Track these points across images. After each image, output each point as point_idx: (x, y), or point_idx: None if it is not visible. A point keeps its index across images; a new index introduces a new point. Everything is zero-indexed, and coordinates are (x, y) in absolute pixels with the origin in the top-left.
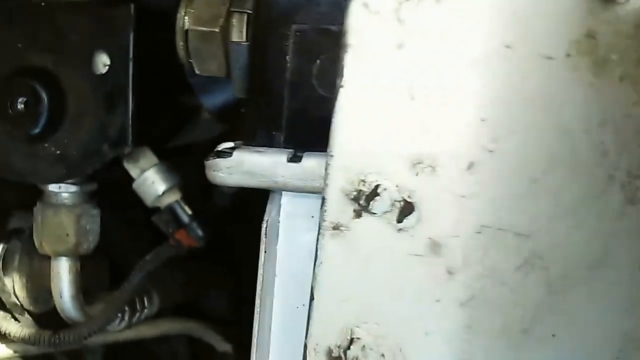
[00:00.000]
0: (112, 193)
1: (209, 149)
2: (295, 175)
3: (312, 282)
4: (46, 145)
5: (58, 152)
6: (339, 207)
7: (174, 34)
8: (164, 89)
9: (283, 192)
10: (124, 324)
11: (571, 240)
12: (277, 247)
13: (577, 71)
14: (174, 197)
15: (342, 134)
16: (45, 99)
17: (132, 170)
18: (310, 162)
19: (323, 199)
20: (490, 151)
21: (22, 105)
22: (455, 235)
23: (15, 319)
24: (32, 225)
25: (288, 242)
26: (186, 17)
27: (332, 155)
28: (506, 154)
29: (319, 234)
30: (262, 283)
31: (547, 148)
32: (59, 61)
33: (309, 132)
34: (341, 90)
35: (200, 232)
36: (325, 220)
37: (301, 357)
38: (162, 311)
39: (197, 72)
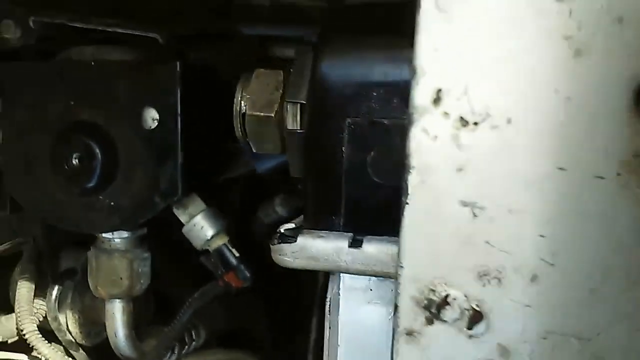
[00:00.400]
0: (159, 231)
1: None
2: (357, 260)
3: None
4: (100, 197)
5: (112, 203)
6: (411, 315)
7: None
8: (210, 138)
9: None
10: (173, 357)
11: (630, 343)
12: (338, 318)
13: (628, 188)
14: (221, 240)
15: (410, 248)
16: (99, 154)
17: (182, 215)
18: (370, 248)
19: (396, 306)
20: (551, 264)
21: (77, 161)
22: (523, 341)
23: (71, 356)
24: (83, 265)
25: (348, 313)
26: (242, 102)
27: (402, 267)
28: (566, 266)
29: (393, 339)
30: (329, 356)
31: (603, 260)
32: (109, 117)
33: (366, 217)
34: (407, 207)
35: (247, 273)
36: (399, 326)
37: None
38: (208, 342)
39: (255, 151)
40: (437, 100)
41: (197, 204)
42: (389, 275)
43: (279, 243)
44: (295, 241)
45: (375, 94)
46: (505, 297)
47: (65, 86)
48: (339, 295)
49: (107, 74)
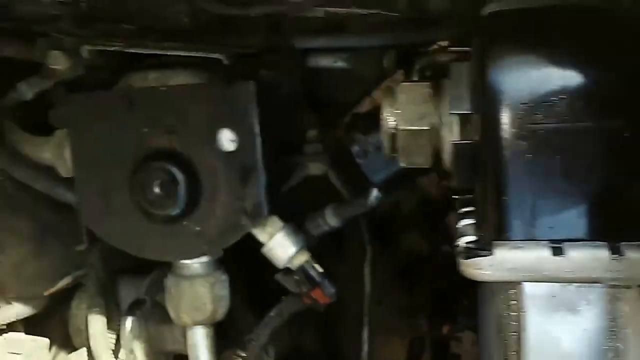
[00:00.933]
0: None
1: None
2: (562, 268)
3: None
4: (185, 223)
5: (197, 229)
6: None
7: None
8: (282, 153)
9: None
10: None
11: None
12: (526, 328)
13: None
14: (303, 257)
15: None
16: (181, 179)
17: (261, 235)
18: (575, 254)
19: None
20: None
21: (158, 188)
22: None
23: None
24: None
25: (534, 322)
26: (390, 117)
27: None
28: None
29: None
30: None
31: None
32: (186, 142)
33: (559, 222)
34: None
35: (332, 289)
36: None
37: None
38: None
39: (403, 164)
40: None
41: (276, 222)
42: (597, 280)
43: (474, 257)
44: (492, 254)
45: (553, 99)
46: None
47: (135, 114)
48: (524, 305)
49: (178, 98)
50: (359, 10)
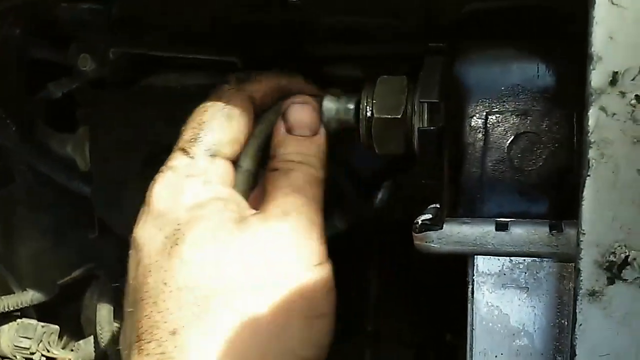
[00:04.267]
0: None
1: None
2: (504, 242)
3: (571, 341)
4: None
5: None
6: (593, 276)
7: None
8: None
9: (477, 256)
10: None
11: None
12: (474, 304)
13: None
14: None
15: (591, 216)
16: None
17: None
18: (518, 230)
19: (578, 269)
20: None
21: None
22: None
23: None
24: None
25: (482, 296)
26: (368, 107)
27: (584, 233)
28: None
29: (576, 299)
30: (470, 338)
31: None
32: None
33: (507, 202)
34: (588, 179)
35: None
36: (581, 288)
37: None
38: None
39: (378, 152)
40: (613, 82)
41: None
42: (538, 255)
43: (425, 231)
44: (442, 228)
45: (509, 88)
46: None
47: (152, 111)
48: (474, 280)
49: (194, 97)
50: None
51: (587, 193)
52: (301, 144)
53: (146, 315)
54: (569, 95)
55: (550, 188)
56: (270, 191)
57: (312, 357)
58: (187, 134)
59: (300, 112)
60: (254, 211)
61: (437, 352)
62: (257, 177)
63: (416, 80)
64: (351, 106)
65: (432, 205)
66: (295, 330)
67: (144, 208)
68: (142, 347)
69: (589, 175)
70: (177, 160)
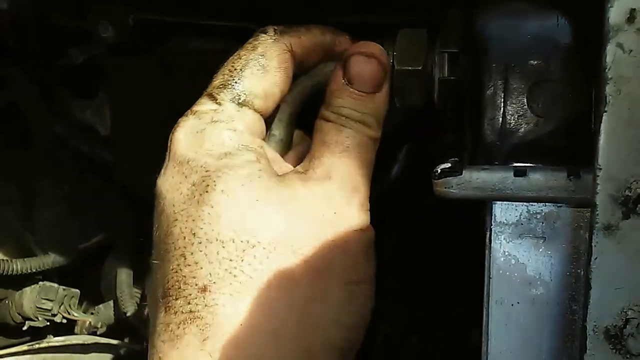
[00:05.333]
0: None
1: None
2: (523, 188)
3: (587, 274)
4: None
5: None
6: (609, 211)
7: None
8: None
9: (495, 203)
10: None
11: None
12: (491, 252)
13: None
14: None
15: (607, 151)
16: None
17: None
18: (536, 175)
19: (595, 204)
20: None
21: None
22: None
23: None
24: None
25: (499, 246)
26: (389, 59)
27: (600, 169)
28: None
29: (591, 233)
30: (486, 287)
31: None
32: None
33: (527, 150)
34: (605, 115)
35: None
36: (597, 222)
37: (577, 338)
38: None
39: (398, 105)
40: (630, 19)
41: None
42: (555, 200)
43: (444, 177)
44: (461, 174)
45: (529, 39)
46: None
47: (172, 77)
48: (492, 229)
49: (212, 62)
50: None
51: (603, 128)
52: (360, 100)
53: (173, 269)
54: (587, 44)
55: (569, 135)
56: (317, 144)
57: (353, 326)
58: (217, 79)
59: (364, 66)
60: (291, 167)
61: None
62: (290, 147)
63: (437, 33)
64: None
65: (451, 158)
66: (336, 296)
67: (167, 155)
68: (170, 304)
69: (605, 111)
70: (202, 105)
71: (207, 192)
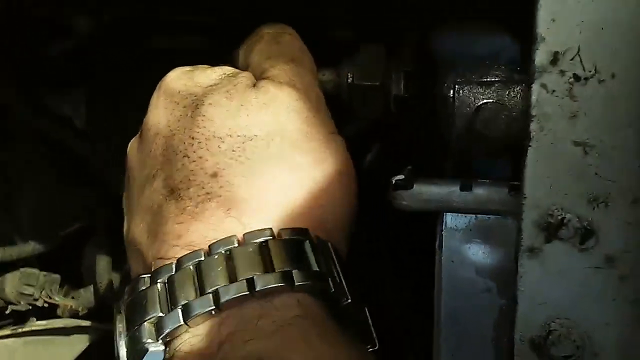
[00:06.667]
0: None
1: None
2: (468, 201)
3: (514, 290)
4: None
5: None
6: (532, 235)
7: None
8: None
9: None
10: None
11: None
12: (442, 256)
13: None
14: None
15: (532, 182)
16: None
17: None
18: (480, 190)
19: (520, 229)
20: None
21: None
22: (625, 251)
23: None
24: None
25: (450, 252)
26: (349, 73)
27: (525, 197)
28: None
29: (517, 254)
30: (437, 289)
31: None
32: None
33: (472, 165)
34: (529, 149)
35: None
36: (522, 245)
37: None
38: None
39: (358, 116)
40: (554, 61)
41: None
42: (498, 213)
43: (397, 190)
44: (412, 187)
45: (477, 61)
46: (611, 217)
47: (150, 71)
48: (442, 234)
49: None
50: None
51: (529, 161)
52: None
53: (178, 169)
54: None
55: (511, 153)
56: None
57: (346, 215)
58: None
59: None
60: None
61: None
62: None
63: (395, 51)
64: (332, 74)
65: (407, 167)
66: (333, 182)
67: (156, 93)
68: (181, 195)
69: (530, 146)
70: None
71: (197, 107)
